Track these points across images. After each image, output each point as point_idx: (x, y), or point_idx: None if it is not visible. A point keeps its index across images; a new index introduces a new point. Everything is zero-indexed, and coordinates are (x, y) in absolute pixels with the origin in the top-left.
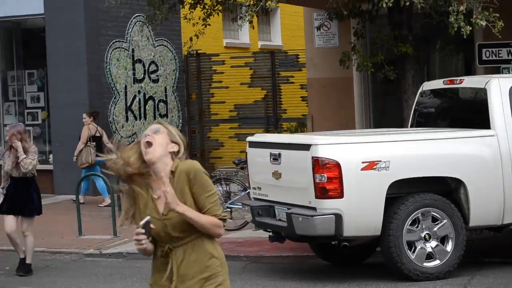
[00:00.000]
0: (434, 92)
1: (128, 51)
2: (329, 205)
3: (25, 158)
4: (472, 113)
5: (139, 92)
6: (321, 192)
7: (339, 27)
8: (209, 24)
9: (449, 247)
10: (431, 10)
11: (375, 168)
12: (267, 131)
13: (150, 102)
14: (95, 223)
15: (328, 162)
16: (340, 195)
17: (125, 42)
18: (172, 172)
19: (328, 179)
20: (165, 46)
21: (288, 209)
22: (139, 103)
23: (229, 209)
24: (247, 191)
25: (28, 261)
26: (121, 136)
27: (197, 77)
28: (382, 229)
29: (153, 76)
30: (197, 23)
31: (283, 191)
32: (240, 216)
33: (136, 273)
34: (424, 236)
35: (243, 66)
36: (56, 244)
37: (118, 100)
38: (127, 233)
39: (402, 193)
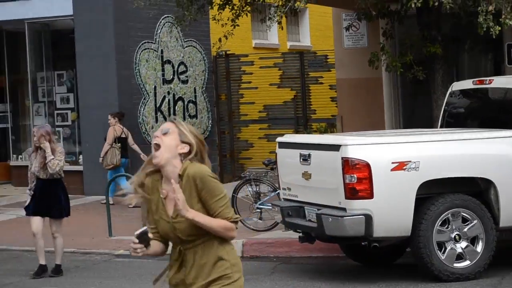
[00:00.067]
0: (464, 93)
1: (157, 52)
2: (359, 205)
3: (53, 159)
4: (501, 113)
5: (168, 93)
6: (351, 193)
7: (368, 27)
8: (238, 25)
9: (479, 247)
10: (460, 10)
11: (405, 168)
12: (297, 131)
13: (180, 103)
14: (125, 224)
15: (358, 162)
16: (370, 195)
17: (154, 43)
18: (180, 176)
19: (358, 179)
20: (194, 47)
21: (318, 209)
22: (169, 104)
23: (259, 210)
24: (277, 191)
25: (58, 262)
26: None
27: (226, 78)
28: (412, 229)
29: (182, 77)
30: (226, 24)
31: (313, 191)
32: (270, 217)
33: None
34: (454, 236)
35: (272, 66)
36: (86, 245)
37: (147, 101)
38: None
39: (432, 193)
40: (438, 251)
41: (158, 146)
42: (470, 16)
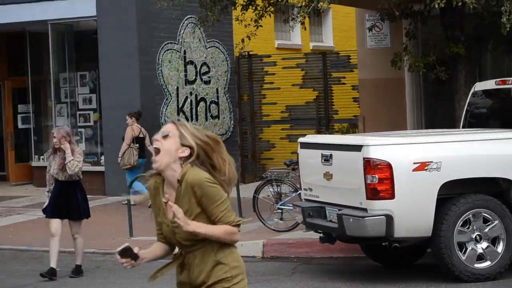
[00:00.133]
0: (486, 93)
1: (180, 52)
2: (380, 206)
3: (72, 159)
4: None
5: (190, 93)
6: (372, 193)
7: (390, 28)
8: (260, 26)
9: (500, 248)
10: (483, 10)
11: (427, 169)
12: (319, 132)
13: (202, 104)
14: (146, 224)
15: (380, 163)
16: (391, 196)
17: (177, 44)
18: (179, 181)
19: (380, 180)
20: (216, 47)
21: (339, 210)
22: (191, 105)
23: (280, 210)
24: (298, 192)
25: (78, 262)
26: None
27: (249, 79)
28: (433, 230)
29: (204, 77)
30: (249, 24)
31: (334, 192)
32: (291, 217)
33: None
34: (475, 237)
35: (294, 67)
36: (107, 245)
37: (170, 101)
38: None
39: (453, 194)
40: (459, 252)
41: (158, 150)
42: (493, 16)
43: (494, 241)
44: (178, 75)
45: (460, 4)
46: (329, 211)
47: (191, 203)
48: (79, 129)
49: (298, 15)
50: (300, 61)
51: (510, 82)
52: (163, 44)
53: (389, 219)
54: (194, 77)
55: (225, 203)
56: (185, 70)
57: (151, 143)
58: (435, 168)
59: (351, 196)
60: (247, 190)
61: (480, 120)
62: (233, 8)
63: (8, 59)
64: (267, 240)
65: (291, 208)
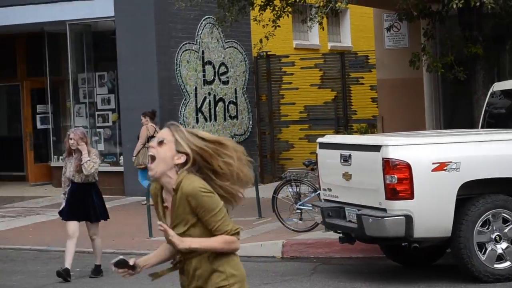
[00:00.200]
0: (505, 93)
1: (198, 53)
2: (400, 206)
3: (89, 160)
4: None
5: (209, 93)
6: (392, 193)
7: (409, 28)
8: (279, 26)
9: None
10: (502, 10)
11: (446, 169)
12: (337, 132)
13: (220, 104)
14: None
15: (399, 163)
16: (411, 196)
17: (195, 44)
18: (174, 190)
19: (399, 180)
20: (235, 47)
21: (358, 210)
22: (209, 105)
23: (299, 211)
24: (317, 192)
25: (97, 262)
26: None
27: (267, 79)
28: (452, 230)
29: (223, 77)
30: (267, 24)
31: (353, 192)
32: (310, 217)
33: None
34: (495, 237)
35: (312, 67)
36: (126, 246)
37: (188, 101)
38: None
39: (472, 194)
40: (479, 252)
41: (153, 158)
42: (511, 16)
43: None
44: (197, 75)
45: (478, 4)
46: (349, 211)
47: (185, 213)
48: (97, 130)
49: (316, 15)
50: (318, 61)
51: None
52: (181, 45)
53: (408, 219)
54: (212, 77)
55: (221, 212)
56: (203, 70)
57: (148, 154)
58: (454, 169)
59: (370, 196)
60: (266, 191)
61: (499, 120)
62: (251, 8)
63: (26, 60)
64: (287, 240)
65: (310, 208)
